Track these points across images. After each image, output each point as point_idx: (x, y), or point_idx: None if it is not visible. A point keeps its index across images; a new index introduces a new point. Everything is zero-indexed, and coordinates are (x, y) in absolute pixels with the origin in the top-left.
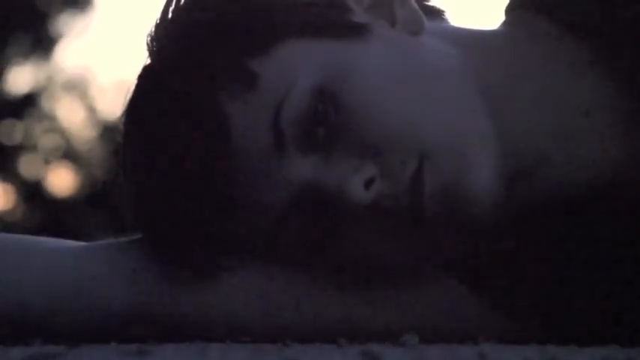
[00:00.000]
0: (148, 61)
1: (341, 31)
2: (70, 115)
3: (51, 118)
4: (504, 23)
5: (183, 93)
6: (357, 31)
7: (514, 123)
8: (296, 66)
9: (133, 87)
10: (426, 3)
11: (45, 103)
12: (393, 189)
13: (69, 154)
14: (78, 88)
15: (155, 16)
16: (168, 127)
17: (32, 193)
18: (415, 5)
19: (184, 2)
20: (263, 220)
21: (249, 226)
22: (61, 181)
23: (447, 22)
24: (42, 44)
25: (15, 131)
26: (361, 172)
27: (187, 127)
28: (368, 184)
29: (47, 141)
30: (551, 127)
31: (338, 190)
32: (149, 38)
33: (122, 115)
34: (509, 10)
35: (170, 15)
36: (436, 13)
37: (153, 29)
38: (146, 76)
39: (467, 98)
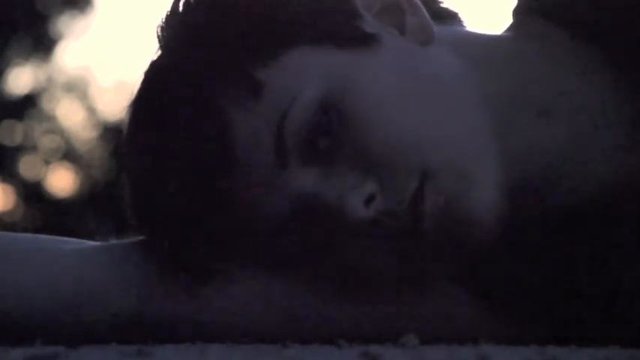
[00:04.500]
0: (155, 56)
1: (349, 40)
2: (70, 115)
3: (51, 118)
4: (512, 27)
5: (186, 98)
6: (366, 41)
7: (521, 138)
8: (302, 76)
9: (137, 85)
10: (439, 6)
11: (45, 104)
12: (394, 207)
13: (69, 154)
14: (78, 88)
15: (155, 17)
16: (171, 132)
17: (32, 193)
18: (426, 14)
19: (192, 7)
20: (263, 228)
21: (250, 232)
22: (61, 181)
23: (460, 25)
24: (42, 45)
25: (15, 132)
26: (362, 189)
27: (190, 132)
28: (368, 200)
29: (47, 142)
30: (559, 141)
31: (337, 204)
32: (159, 29)
33: (125, 114)
34: (516, 14)
35: (178, 17)
36: (448, 17)
37: (163, 23)
38: (151, 78)
39: (472, 116)
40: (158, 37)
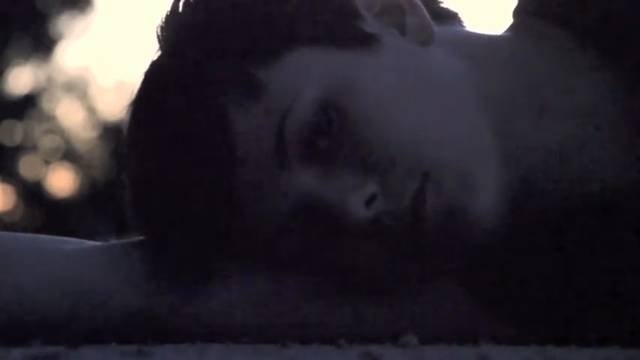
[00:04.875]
0: (156, 56)
1: (350, 41)
2: (70, 115)
3: (51, 118)
4: (512, 27)
5: (187, 98)
6: (366, 41)
7: (521, 138)
8: (302, 76)
9: (137, 85)
10: (439, 6)
11: (45, 104)
12: (394, 207)
13: (69, 154)
14: (78, 88)
15: (155, 17)
16: (171, 133)
17: (32, 193)
18: (426, 14)
19: (192, 7)
20: (263, 228)
21: (250, 233)
22: (61, 181)
23: (460, 24)
24: (42, 45)
25: (15, 132)
26: (362, 190)
27: (190, 132)
28: (369, 201)
29: (47, 141)
30: (559, 141)
31: (338, 205)
32: (159, 29)
33: (125, 114)
34: (517, 14)
35: (178, 17)
36: (448, 17)
37: (163, 24)
38: (151, 78)
39: (473, 116)
40: (158, 37)
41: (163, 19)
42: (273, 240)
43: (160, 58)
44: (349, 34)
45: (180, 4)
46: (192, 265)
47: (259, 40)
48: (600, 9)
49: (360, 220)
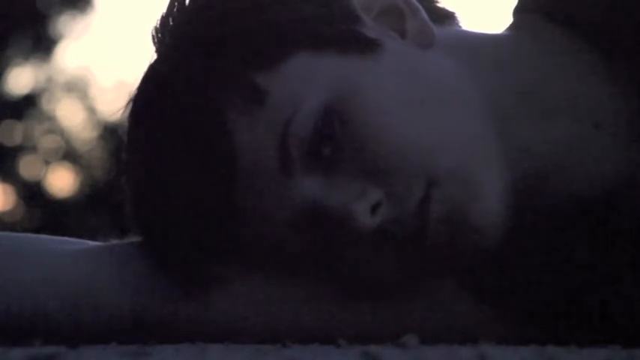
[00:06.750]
0: (152, 60)
1: (351, 46)
2: (70, 115)
3: (51, 118)
4: (512, 26)
5: (189, 106)
6: (367, 46)
7: (522, 139)
8: (304, 83)
9: (136, 88)
10: (436, 4)
11: (45, 104)
12: (399, 214)
13: (69, 154)
14: (78, 88)
15: (156, 17)
16: (173, 140)
17: (32, 193)
18: (426, 17)
19: (190, 9)
20: (266, 234)
21: (252, 238)
22: (61, 181)
23: (457, 24)
24: (42, 45)
25: (15, 132)
26: (368, 197)
27: (193, 140)
28: (374, 208)
29: (47, 142)
30: (560, 141)
31: (343, 212)
32: (154, 31)
33: (125, 121)
34: (517, 13)
35: (176, 21)
36: (446, 16)
37: (158, 27)
38: (151, 83)
39: (475, 119)
40: (153, 40)
41: (158, 22)
42: (275, 245)
43: (157, 64)
44: (350, 40)
45: (176, 6)
46: (193, 267)
47: (260, 47)
48: (601, 8)
49: (366, 228)
